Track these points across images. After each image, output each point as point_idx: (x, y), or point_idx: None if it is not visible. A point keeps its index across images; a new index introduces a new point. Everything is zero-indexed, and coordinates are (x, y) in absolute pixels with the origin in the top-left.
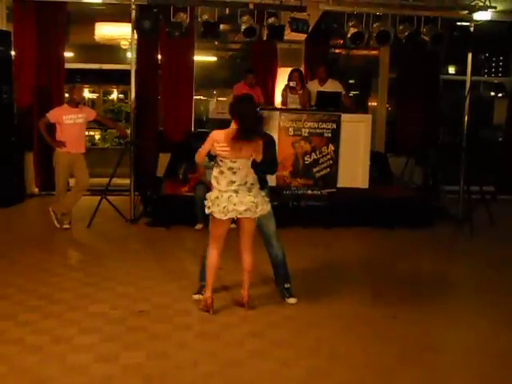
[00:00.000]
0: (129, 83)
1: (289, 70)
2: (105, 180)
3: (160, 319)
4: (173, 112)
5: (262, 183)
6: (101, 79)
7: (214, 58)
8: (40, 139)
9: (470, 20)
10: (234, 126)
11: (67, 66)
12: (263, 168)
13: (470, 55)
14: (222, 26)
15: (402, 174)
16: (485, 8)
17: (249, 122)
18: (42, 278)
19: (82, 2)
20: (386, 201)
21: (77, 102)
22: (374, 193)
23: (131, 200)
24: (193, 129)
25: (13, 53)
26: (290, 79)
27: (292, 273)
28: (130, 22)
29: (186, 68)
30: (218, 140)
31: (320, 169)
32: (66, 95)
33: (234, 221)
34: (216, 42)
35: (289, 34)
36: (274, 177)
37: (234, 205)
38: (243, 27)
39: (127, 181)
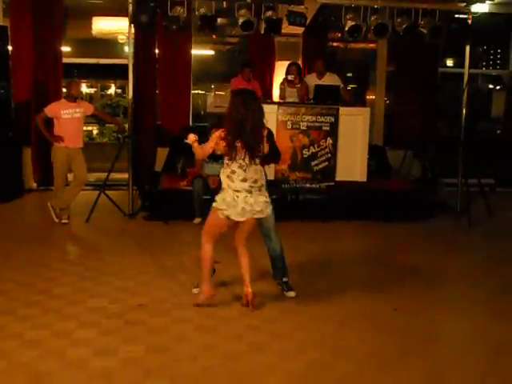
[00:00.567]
0: (126, 78)
1: (286, 63)
2: (103, 175)
3: (158, 313)
4: (171, 106)
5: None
6: (98, 74)
7: (211, 52)
8: (38, 134)
9: (468, 12)
10: None
11: (64, 60)
12: (269, 159)
13: (467, 48)
14: (219, 20)
15: (401, 167)
16: (482, 0)
17: (251, 138)
18: (41, 272)
19: None
20: (384, 194)
21: (74, 97)
22: (372, 186)
23: (129, 194)
24: (191, 123)
25: (10, 48)
26: (287, 73)
27: (291, 266)
28: (127, 16)
29: (183, 62)
30: (221, 137)
31: (318, 162)
32: (64, 90)
33: None
34: (213, 36)
35: (286, 28)
36: (272, 170)
37: (251, 205)
38: (240, 21)
39: (125, 175)
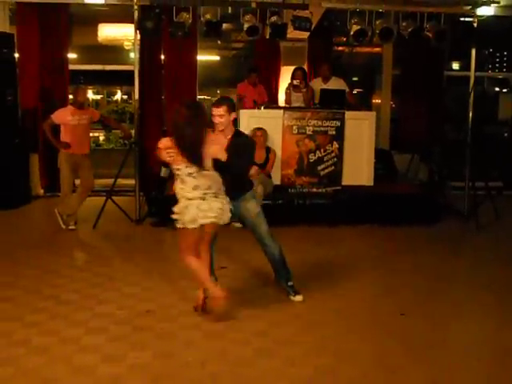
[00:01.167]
0: (132, 84)
1: (292, 68)
2: (110, 181)
3: (166, 319)
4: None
5: (246, 186)
6: (104, 80)
7: (217, 58)
8: (45, 141)
9: (474, 15)
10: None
11: (71, 67)
12: (228, 170)
13: (473, 51)
14: (224, 25)
15: (407, 171)
16: (488, 3)
17: (188, 147)
18: (48, 279)
19: (85, 3)
20: (391, 198)
21: (81, 103)
22: (379, 190)
23: (136, 200)
24: None
25: (16, 55)
26: (293, 77)
27: (297, 271)
28: (132, 22)
29: (189, 68)
30: (166, 146)
31: (325, 167)
32: (70, 96)
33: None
34: (219, 42)
35: (291, 33)
36: (278, 175)
37: (204, 211)
38: (246, 26)
39: (132, 181)
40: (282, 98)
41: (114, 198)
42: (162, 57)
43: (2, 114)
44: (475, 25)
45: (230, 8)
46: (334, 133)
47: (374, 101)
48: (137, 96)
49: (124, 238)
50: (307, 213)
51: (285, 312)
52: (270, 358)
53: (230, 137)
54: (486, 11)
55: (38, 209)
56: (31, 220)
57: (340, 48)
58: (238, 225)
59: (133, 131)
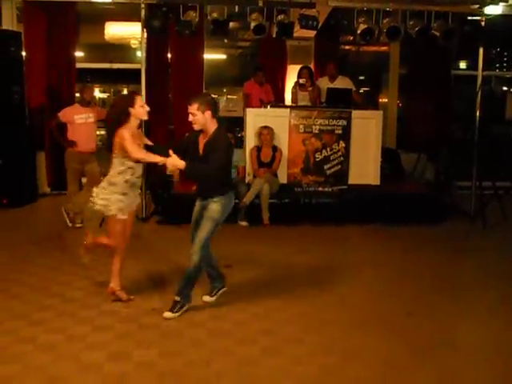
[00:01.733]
0: (139, 82)
1: (298, 67)
2: None
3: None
4: (183, 110)
5: (216, 189)
6: (111, 78)
7: (223, 56)
8: (51, 139)
9: (481, 14)
10: None
11: (78, 65)
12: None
13: (481, 50)
14: (231, 24)
15: (414, 170)
16: (496, 2)
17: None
18: (55, 276)
19: (92, 1)
20: (397, 197)
21: (88, 102)
22: (385, 189)
23: (143, 199)
24: None
25: (23, 53)
26: (299, 76)
27: (303, 270)
28: (139, 21)
29: (195, 66)
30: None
31: (331, 166)
32: (77, 95)
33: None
34: (225, 40)
35: (298, 31)
36: (285, 174)
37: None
38: (253, 25)
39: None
40: (288, 97)
41: None
42: (169, 55)
43: (9, 112)
44: (483, 24)
45: (236, 6)
46: (340, 132)
47: (380, 100)
48: (143, 94)
49: (130, 236)
50: (313, 212)
51: (290, 311)
52: (276, 357)
53: (208, 139)
54: (493, 10)
55: (44, 207)
56: (38, 218)
57: (347, 47)
58: (245, 223)
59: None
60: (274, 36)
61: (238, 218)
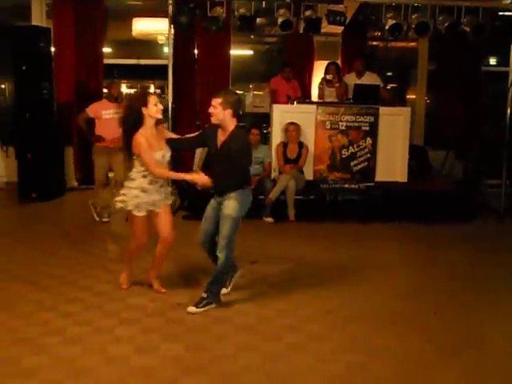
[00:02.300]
0: (166, 78)
1: (325, 63)
2: None
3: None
4: (209, 106)
5: (232, 185)
6: (138, 74)
7: (250, 52)
8: (79, 134)
9: None
10: None
11: (105, 61)
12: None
13: None
14: (258, 20)
15: (442, 168)
16: None
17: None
18: (82, 270)
19: None
20: (425, 195)
21: (115, 97)
22: (413, 187)
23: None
24: None
25: (52, 49)
26: (326, 72)
27: (329, 267)
28: (167, 17)
29: (222, 62)
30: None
31: (357, 162)
32: (105, 90)
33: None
34: (252, 36)
35: (326, 27)
36: (311, 171)
37: None
38: (280, 20)
39: None
40: (315, 93)
41: None
42: (196, 51)
43: (38, 108)
44: None
45: (264, 2)
46: (367, 128)
47: (408, 96)
48: (170, 90)
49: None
50: (339, 209)
51: (316, 308)
52: (301, 354)
53: (226, 137)
54: None
55: (72, 201)
56: (66, 212)
57: (374, 42)
58: (270, 219)
59: (166, 125)
60: (301, 32)
61: (263, 214)
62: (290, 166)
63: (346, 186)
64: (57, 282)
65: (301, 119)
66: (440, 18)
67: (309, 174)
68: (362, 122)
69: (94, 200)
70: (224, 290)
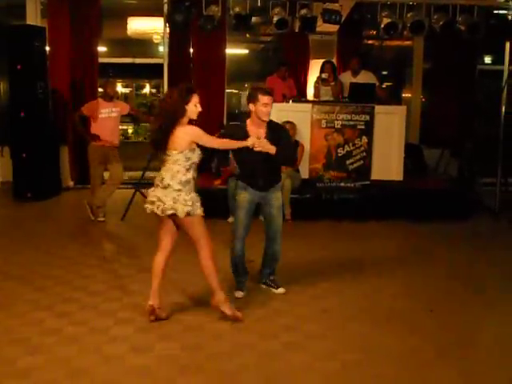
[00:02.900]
0: (161, 77)
1: (321, 61)
2: (138, 173)
3: (194, 311)
4: (205, 105)
5: (279, 176)
6: (133, 73)
7: (245, 51)
8: (75, 133)
9: (508, 8)
10: None
11: (100, 60)
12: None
13: (507, 44)
14: (253, 19)
15: (437, 166)
16: None
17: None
18: (78, 269)
19: None
20: (420, 193)
21: (110, 96)
22: (408, 185)
23: None
24: (225, 122)
25: (47, 48)
26: (322, 71)
27: (325, 266)
28: (162, 15)
29: (218, 61)
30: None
31: (353, 161)
32: (100, 89)
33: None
34: (248, 35)
35: (321, 26)
36: (306, 169)
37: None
38: (275, 19)
39: None
40: (310, 92)
41: (142, 190)
42: (191, 50)
43: (33, 107)
44: (510, 17)
45: (259, 1)
46: (363, 127)
47: (404, 95)
48: (166, 89)
49: (152, 230)
50: (335, 207)
51: (312, 307)
52: (298, 352)
53: (265, 129)
54: None
55: (68, 200)
56: (61, 211)
57: (370, 41)
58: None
59: None
60: (297, 31)
61: (259, 213)
62: None
63: (342, 184)
64: (52, 282)
65: (296, 118)
66: (435, 17)
67: (305, 173)
68: (357, 120)
69: (90, 199)
70: (240, 294)
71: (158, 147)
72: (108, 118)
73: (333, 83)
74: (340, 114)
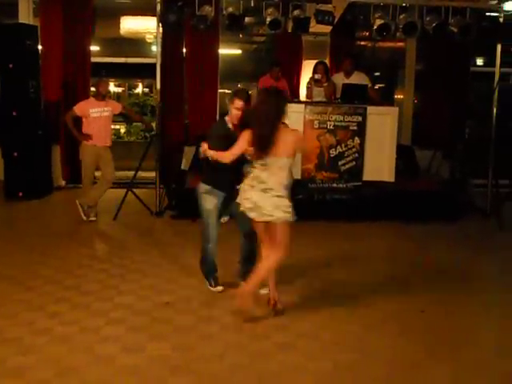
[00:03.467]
0: (154, 77)
1: (314, 62)
2: (130, 173)
3: (185, 311)
4: (198, 105)
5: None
6: (126, 73)
7: (238, 51)
8: (67, 132)
9: (500, 10)
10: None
11: (93, 59)
12: None
13: (499, 46)
14: (246, 19)
15: (429, 167)
16: None
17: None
18: (70, 269)
19: None
20: (412, 194)
21: (103, 96)
22: (400, 186)
23: (156, 193)
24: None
25: (40, 47)
26: (314, 72)
27: (317, 266)
28: (155, 15)
29: (210, 61)
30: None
31: (345, 162)
32: (92, 89)
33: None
34: (241, 35)
35: (314, 26)
36: (299, 170)
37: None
38: (268, 19)
39: (152, 174)
40: (303, 93)
41: (134, 190)
42: (184, 50)
43: (25, 106)
44: (501, 20)
45: (252, 1)
46: (355, 128)
47: (396, 96)
48: (158, 89)
49: (144, 230)
50: (327, 208)
51: (305, 307)
52: (290, 352)
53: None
54: None
55: (59, 200)
56: (53, 211)
57: (363, 42)
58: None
59: (154, 124)
60: (290, 31)
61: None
62: None
63: (334, 185)
64: (43, 282)
65: (289, 118)
66: (427, 19)
67: (297, 174)
68: (349, 121)
69: (81, 199)
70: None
71: (265, 152)
72: (100, 118)
73: (325, 84)
74: (332, 114)
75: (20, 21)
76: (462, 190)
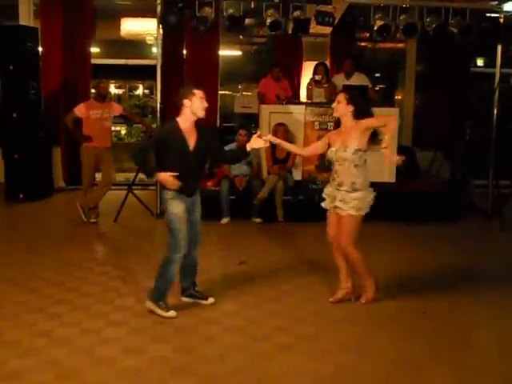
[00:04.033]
0: (154, 78)
1: (314, 63)
2: (131, 175)
3: (186, 313)
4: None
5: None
6: (126, 74)
7: (239, 53)
8: (67, 134)
9: (500, 11)
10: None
11: (93, 61)
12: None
13: (499, 47)
14: (247, 20)
15: (430, 168)
16: None
17: None
18: (70, 271)
19: None
20: (413, 195)
21: (103, 97)
22: (401, 187)
23: (157, 194)
24: (218, 123)
25: (40, 49)
26: (315, 73)
27: (318, 268)
28: (155, 17)
29: (211, 62)
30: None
31: None
32: (93, 90)
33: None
34: (241, 36)
35: (314, 28)
36: (299, 171)
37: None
38: (268, 21)
39: None
40: (303, 94)
41: (135, 191)
42: (185, 51)
43: (25, 108)
44: (501, 20)
45: (252, 3)
46: None
47: (396, 97)
48: (159, 90)
49: (145, 232)
50: None
51: (305, 309)
52: (291, 354)
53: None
54: None
55: (60, 201)
56: (53, 212)
57: (363, 43)
58: (258, 220)
59: (155, 126)
60: (290, 32)
61: (251, 214)
62: (278, 166)
63: None
64: (44, 284)
65: (289, 119)
66: (428, 20)
67: (298, 175)
68: None
69: (82, 201)
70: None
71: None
72: (100, 119)
73: (326, 85)
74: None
75: (20, 23)
76: (462, 191)
